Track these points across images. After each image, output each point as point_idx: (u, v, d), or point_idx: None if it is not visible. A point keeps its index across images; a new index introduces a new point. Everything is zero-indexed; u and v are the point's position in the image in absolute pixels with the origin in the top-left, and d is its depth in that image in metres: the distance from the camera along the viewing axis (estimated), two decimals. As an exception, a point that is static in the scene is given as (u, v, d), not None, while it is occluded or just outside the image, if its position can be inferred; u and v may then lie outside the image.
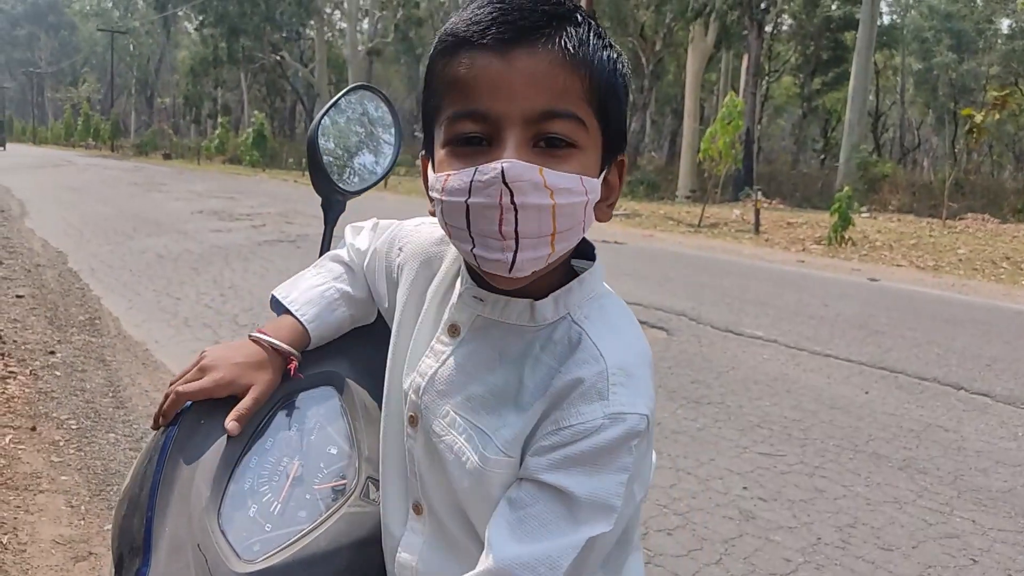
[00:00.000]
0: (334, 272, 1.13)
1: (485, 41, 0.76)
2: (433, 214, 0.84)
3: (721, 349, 6.18)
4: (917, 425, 4.63)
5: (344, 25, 40.34)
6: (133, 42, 64.61)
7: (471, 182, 0.75)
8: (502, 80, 0.75)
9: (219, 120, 42.80)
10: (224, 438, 0.96)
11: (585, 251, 0.89)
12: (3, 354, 5.17)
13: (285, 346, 1.04)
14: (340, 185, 1.25)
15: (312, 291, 1.10)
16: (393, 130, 1.32)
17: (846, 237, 13.22)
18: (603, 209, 0.85)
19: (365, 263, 1.12)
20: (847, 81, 24.25)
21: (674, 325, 6.89)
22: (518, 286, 0.82)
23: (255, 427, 0.99)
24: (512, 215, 0.74)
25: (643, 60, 30.84)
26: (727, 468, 3.92)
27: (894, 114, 46.23)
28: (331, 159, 1.26)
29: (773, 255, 12.40)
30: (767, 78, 37.31)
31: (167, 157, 40.96)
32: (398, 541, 0.93)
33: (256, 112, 37.21)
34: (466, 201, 0.76)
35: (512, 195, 0.74)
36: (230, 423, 0.96)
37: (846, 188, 14.13)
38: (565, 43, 0.76)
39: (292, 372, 1.03)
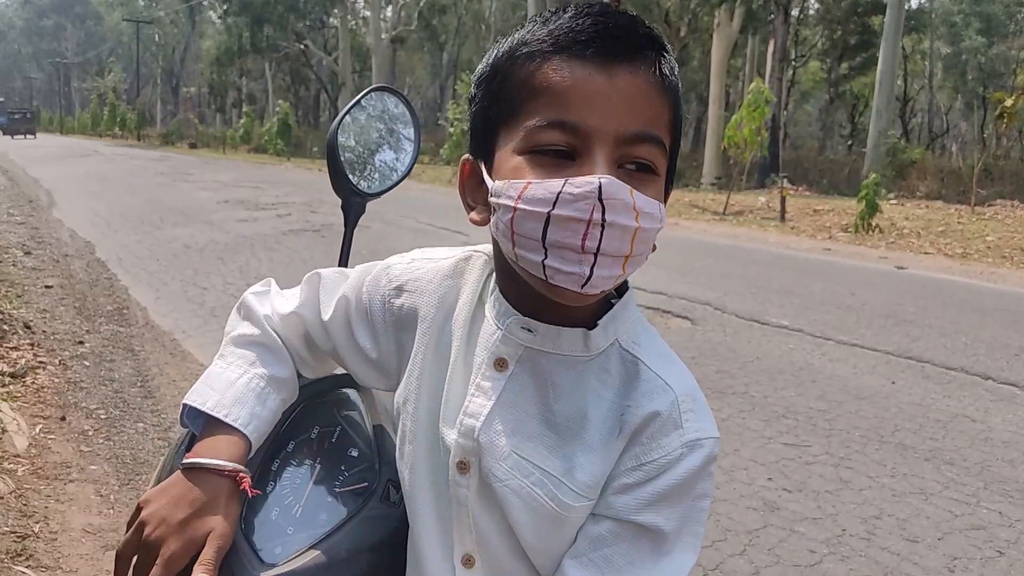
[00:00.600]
0: (247, 358, 0.98)
1: (587, 53, 0.74)
2: (477, 222, 0.83)
3: (746, 339, 6.15)
4: (944, 415, 4.58)
5: (368, 13, 40.39)
6: (158, 32, 65.09)
7: (559, 193, 0.72)
8: (601, 95, 0.74)
9: (244, 109, 43.08)
10: None
11: None
12: (33, 344, 5.26)
13: (230, 464, 0.89)
14: (360, 187, 1.25)
15: (233, 388, 0.94)
16: (412, 128, 1.32)
17: (873, 224, 13.06)
18: None
19: (309, 323, 0.99)
20: (875, 66, 23.90)
21: (699, 314, 6.86)
22: (582, 303, 0.79)
23: (276, 431, 1.00)
24: (598, 231, 0.72)
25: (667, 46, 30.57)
26: (752, 459, 3.90)
27: (922, 99, 45.52)
28: (352, 156, 1.25)
29: (799, 243, 12.29)
30: (793, 63, 36.87)
31: (193, 146, 41.29)
32: None
33: (280, 101, 37.39)
34: (549, 212, 0.73)
35: (604, 212, 0.72)
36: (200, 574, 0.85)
37: (873, 175, 13.95)
38: (663, 68, 0.77)
39: (247, 490, 0.90)
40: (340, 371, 1.07)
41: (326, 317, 0.98)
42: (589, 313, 0.84)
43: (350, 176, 1.23)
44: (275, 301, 1.02)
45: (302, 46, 40.98)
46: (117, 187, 17.82)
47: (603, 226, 0.72)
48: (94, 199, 14.92)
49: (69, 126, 74.70)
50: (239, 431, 0.92)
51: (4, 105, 66.59)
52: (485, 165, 0.83)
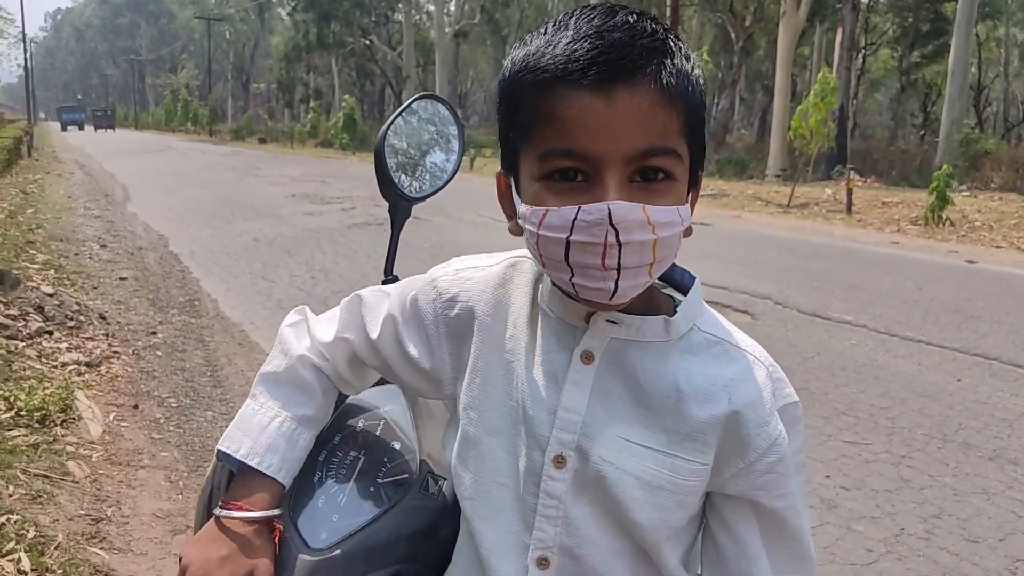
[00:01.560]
0: (278, 399, 1.02)
1: (586, 81, 0.75)
2: (515, 233, 0.87)
3: (807, 334, 6.06)
4: (1010, 414, 4.45)
5: (431, 8, 40.68)
6: (229, 29, 66.80)
7: (574, 220, 0.76)
8: (603, 121, 0.75)
9: (311, 104, 43.88)
10: None
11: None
12: (108, 334, 5.50)
13: (262, 514, 0.95)
14: (407, 191, 1.30)
15: (265, 434, 0.99)
16: (457, 132, 1.36)
17: (944, 217, 12.66)
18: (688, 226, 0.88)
19: (356, 345, 1.02)
20: (947, 54, 23.05)
21: (759, 309, 6.78)
22: (615, 310, 0.85)
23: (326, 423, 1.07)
24: (616, 250, 0.76)
25: (732, 36, 30.07)
26: (810, 456, 3.86)
27: (997, 87, 43.71)
28: (403, 160, 1.30)
29: (866, 236, 11.99)
30: (863, 51, 35.82)
31: (262, 141, 42.26)
32: None
33: (346, 96, 37.99)
34: (567, 238, 0.77)
35: (618, 234, 0.75)
36: None
37: (945, 166, 13.51)
38: (664, 79, 0.77)
39: (277, 538, 0.95)
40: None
41: (374, 336, 1.00)
42: (656, 302, 0.90)
43: (398, 180, 1.28)
44: (315, 331, 1.05)
45: (367, 41, 41.54)
46: (190, 182, 18.40)
47: (620, 245, 0.76)
48: (168, 193, 15.42)
49: (144, 122, 77.24)
50: (271, 477, 0.97)
51: (83, 103, 72.13)
52: (514, 181, 0.87)
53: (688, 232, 0.85)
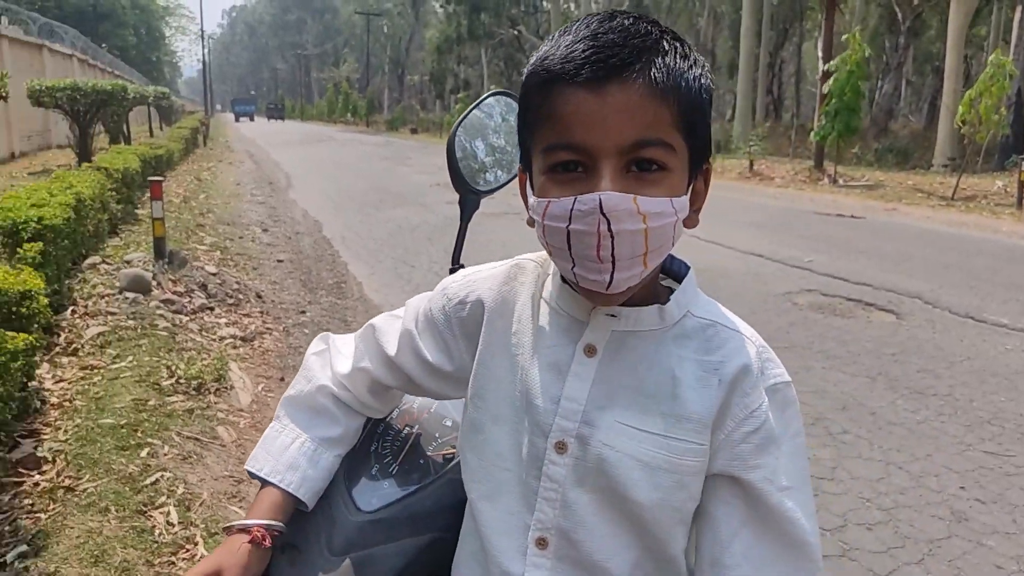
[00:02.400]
0: (300, 422, 1.10)
1: (579, 79, 0.81)
2: (530, 224, 0.93)
3: (957, 336, 5.70)
4: None
5: (580, -4, 40.57)
6: (387, 23, 69.33)
7: (571, 210, 0.82)
8: (596, 115, 0.81)
9: (459, 95, 44.91)
10: None
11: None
12: (262, 312, 5.94)
13: (247, 521, 1.03)
14: (476, 184, 1.38)
15: (287, 454, 1.07)
16: None
17: None
18: (691, 216, 0.92)
19: (373, 371, 1.09)
20: None
21: (906, 309, 6.43)
22: (616, 302, 0.90)
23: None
24: (609, 241, 0.81)
25: (899, 16, 28.28)
26: (945, 465, 3.67)
27: None
28: (475, 153, 1.37)
29: (1039, 233, 11.05)
30: (1051, 29, 32.68)
31: (414, 132, 43.72)
32: None
33: (493, 87, 38.63)
34: (567, 227, 0.83)
35: (609, 223, 0.81)
36: None
37: None
38: (654, 76, 0.81)
39: (263, 541, 1.01)
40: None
41: (392, 353, 1.07)
42: (656, 293, 0.95)
43: (468, 173, 1.36)
44: (335, 362, 1.12)
45: (516, 32, 42.04)
46: (346, 170, 19.34)
47: (612, 235, 0.81)
48: (326, 181, 16.28)
49: (309, 113, 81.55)
50: (291, 493, 1.05)
51: (254, 96, 79.48)
52: (529, 177, 0.93)
53: (692, 223, 0.90)
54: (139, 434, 3.63)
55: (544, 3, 44.12)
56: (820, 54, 19.45)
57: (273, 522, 1.03)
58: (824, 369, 4.98)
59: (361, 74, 72.93)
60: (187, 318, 5.69)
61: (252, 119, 70.15)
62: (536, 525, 0.94)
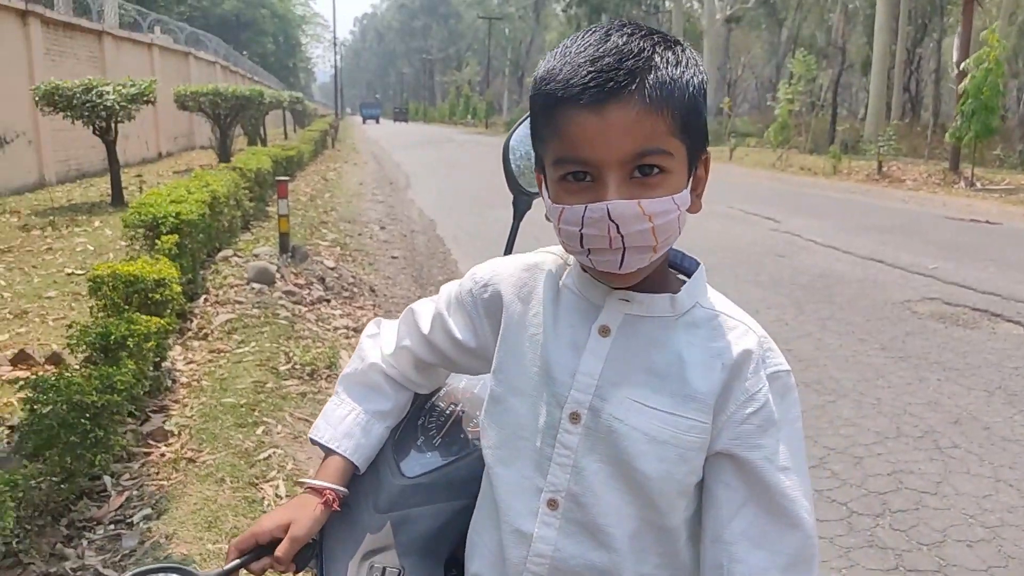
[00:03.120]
0: (355, 396, 1.23)
1: (582, 101, 0.90)
2: (548, 219, 1.02)
3: (1092, 352, 5.34)
4: None
5: (704, -5, 39.87)
6: (508, 27, 70.24)
7: (583, 217, 0.92)
8: (599, 133, 0.90)
9: (580, 97, 44.75)
10: None
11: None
12: (375, 305, 6.22)
13: (319, 482, 1.16)
14: (527, 187, 1.47)
15: (343, 423, 1.21)
16: None
17: None
18: (694, 202, 1.00)
19: (414, 349, 1.21)
20: None
21: (1037, 320, 6.06)
22: (629, 283, 0.99)
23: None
24: (620, 240, 0.92)
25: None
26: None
27: None
28: (528, 159, 1.44)
29: None
30: None
31: (532, 133, 43.98)
32: (529, 536, 1.04)
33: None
34: (580, 231, 0.93)
35: (618, 227, 0.90)
36: (275, 565, 1.11)
37: None
38: (648, 93, 0.90)
39: (332, 504, 1.14)
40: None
41: (426, 331, 1.20)
42: (659, 282, 1.03)
43: (520, 177, 1.46)
44: (384, 343, 1.25)
45: (638, 32, 41.72)
46: (462, 171, 19.78)
47: (622, 236, 0.91)
48: (443, 181, 16.73)
49: (431, 116, 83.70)
50: (347, 458, 1.18)
51: (379, 100, 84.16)
52: (545, 180, 1.02)
53: (696, 208, 0.99)
54: (256, 413, 3.92)
55: (666, 3, 43.59)
56: (956, 50, 18.40)
57: (340, 488, 1.17)
58: (939, 381, 4.79)
59: (482, 77, 74.12)
60: (305, 309, 6.04)
61: (378, 121, 73.37)
62: (549, 488, 1.03)
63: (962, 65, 16.47)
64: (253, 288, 6.18)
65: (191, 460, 3.43)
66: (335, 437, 1.20)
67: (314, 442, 1.22)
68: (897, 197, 15.06)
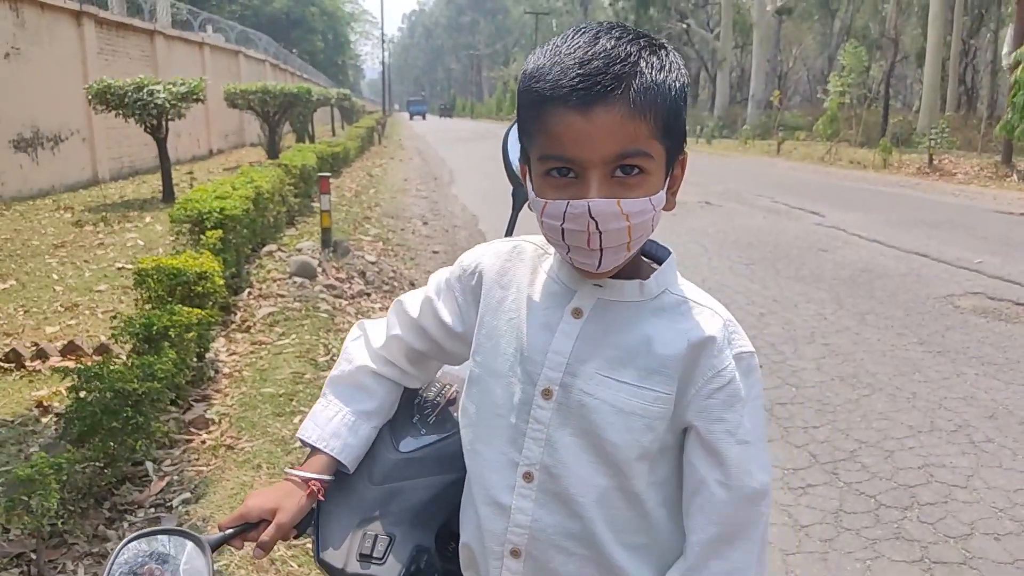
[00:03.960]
0: (342, 397, 1.26)
1: (571, 103, 0.94)
2: (517, 211, 1.09)
3: None
4: None
5: (753, -14, 39.33)
6: (556, 21, 70.07)
7: (564, 213, 0.97)
8: (584, 134, 0.95)
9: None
10: None
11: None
12: (413, 299, 6.32)
13: (305, 473, 1.20)
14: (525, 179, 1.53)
15: (330, 424, 1.24)
16: None
17: None
18: (669, 200, 1.05)
19: (404, 336, 1.25)
20: None
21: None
22: (606, 276, 1.06)
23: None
24: (598, 236, 0.97)
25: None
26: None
27: None
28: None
29: None
30: None
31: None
32: (508, 508, 1.10)
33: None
34: (561, 225, 0.98)
35: (597, 224, 0.96)
36: (256, 551, 1.16)
37: None
38: (632, 98, 0.94)
39: (317, 494, 1.20)
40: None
41: (415, 315, 1.24)
42: (641, 271, 1.10)
43: (517, 169, 1.51)
44: (372, 340, 1.29)
45: (685, 25, 41.32)
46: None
47: (600, 232, 0.97)
48: (485, 178, 16.75)
49: (479, 111, 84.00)
50: (335, 457, 1.22)
51: (425, 96, 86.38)
52: (529, 172, 1.07)
53: (670, 206, 1.04)
54: (294, 403, 4.05)
55: (715, -5, 43.08)
56: (1009, 41, 17.89)
57: (326, 477, 1.22)
58: (977, 375, 4.72)
59: (530, 72, 74.08)
60: (346, 302, 6.18)
61: (424, 117, 74.06)
62: (524, 461, 1.09)
63: (1012, 56, 16.01)
64: (295, 282, 6.34)
65: (230, 447, 3.57)
66: (323, 437, 1.23)
67: (303, 442, 1.26)
68: (947, 191, 14.73)
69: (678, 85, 0.99)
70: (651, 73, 0.97)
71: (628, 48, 0.97)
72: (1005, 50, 17.88)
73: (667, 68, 0.99)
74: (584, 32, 1.00)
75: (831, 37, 43.41)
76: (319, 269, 6.75)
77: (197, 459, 3.45)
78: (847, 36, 38.10)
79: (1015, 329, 5.65)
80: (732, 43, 39.16)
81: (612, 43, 0.97)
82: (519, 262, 1.17)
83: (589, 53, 0.96)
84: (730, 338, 1.06)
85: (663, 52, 1.00)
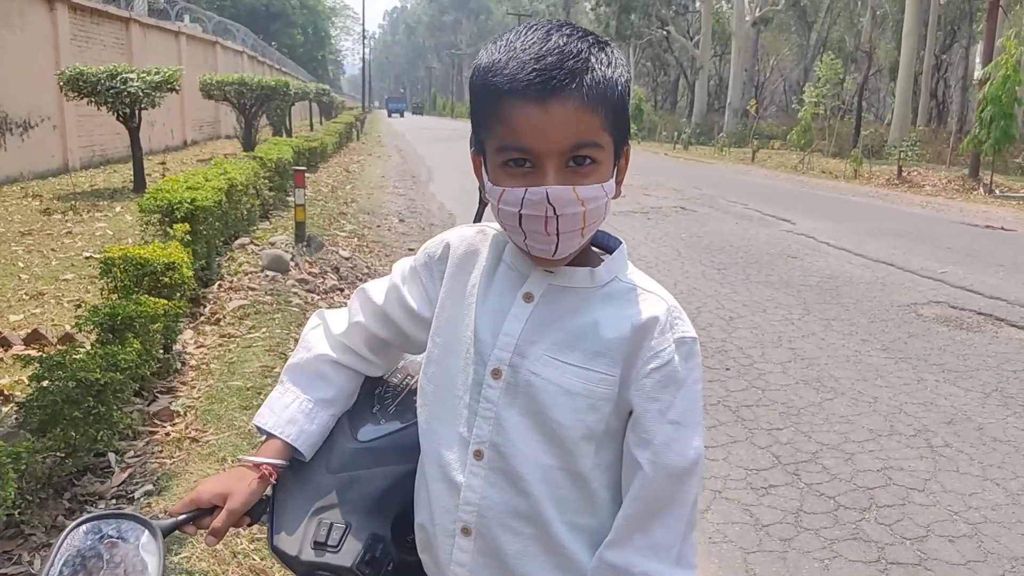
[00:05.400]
0: (299, 384, 1.26)
1: (528, 95, 0.99)
2: (484, 201, 1.11)
3: (1097, 358, 5.32)
4: None
5: (733, -5, 39.66)
6: (536, 23, 70.11)
7: (523, 199, 1.01)
8: (541, 125, 0.99)
9: (606, 95, 44.62)
10: None
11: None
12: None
13: (257, 458, 1.20)
14: None
15: (287, 411, 1.24)
16: None
17: None
18: (616, 190, 1.09)
19: (366, 324, 1.25)
20: None
21: (1043, 326, 6.04)
22: (560, 264, 1.09)
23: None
24: (555, 222, 1.01)
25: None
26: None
27: None
28: None
29: None
30: None
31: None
32: (459, 485, 1.12)
33: (635, 87, 38.37)
34: (519, 212, 1.02)
35: (555, 209, 1.00)
36: (208, 537, 1.15)
37: None
38: (585, 92, 0.99)
39: (269, 478, 1.19)
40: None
41: (380, 302, 1.25)
42: (591, 259, 1.14)
43: None
44: (332, 329, 1.29)
45: (665, 32, 41.55)
46: (483, 166, 19.77)
47: (557, 217, 1.01)
48: (464, 176, 16.73)
49: (459, 111, 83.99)
50: (290, 443, 1.22)
51: (403, 95, 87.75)
52: (484, 162, 1.10)
53: (617, 194, 1.09)
54: (262, 396, 4.02)
55: (696, 3, 43.36)
56: (979, 58, 18.24)
57: (279, 461, 1.22)
58: (937, 382, 4.81)
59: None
60: (318, 297, 6.16)
61: (402, 115, 74.50)
62: (475, 440, 1.12)
63: (981, 71, 16.33)
64: (267, 275, 6.30)
65: (195, 440, 3.54)
66: (278, 423, 1.23)
67: (260, 429, 1.25)
68: (915, 202, 14.96)
69: (623, 80, 1.05)
70: (601, 68, 1.01)
71: (579, 45, 1.01)
72: (979, 63, 18.18)
73: (614, 64, 1.03)
74: (536, 29, 1.04)
75: (808, 49, 43.92)
76: (292, 263, 6.72)
77: (161, 451, 3.42)
78: (823, 48, 38.62)
79: (975, 338, 5.76)
80: (711, 51, 39.47)
81: (564, 40, 1.01)
82: (482, 246, 1.20)
83: (544, 49, 1.00)
84: (672, 322, 1.10)
85: (609, 49, 1.04)
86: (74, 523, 1.05)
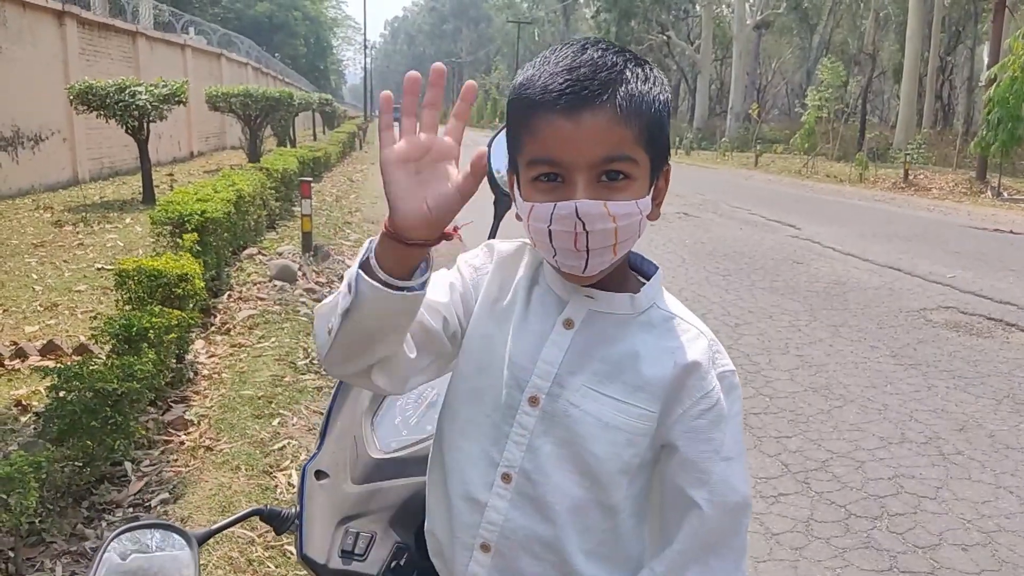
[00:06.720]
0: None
1: (559, 107, 0.96)
2: (519, 219, 1.09)
3: (1106, 362, 5.33)
4: None
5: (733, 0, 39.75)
6: (538, 30, 70.42)
7: (552, 214, 0.97)
8: (572, 137, 0.96)
9: (607, 101, 44.72)
10: None
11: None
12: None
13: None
14: (505, 188, 1.56)
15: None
16: None
17: None
18: (653, 210, 1.07)
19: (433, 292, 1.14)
20: None
21: (1052, 330, 6.05)
22: (590, 282, 1.08)
23: None
24: (584, 237, 0.97)
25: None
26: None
27: None
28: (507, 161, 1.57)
29: None
30: None
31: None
32: (483, 504, 1.11)
33: (639, 93, 38.23)
34: (548, 227, 0.98)
35: (584, 224, 0.96)
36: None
37: None
38: (619, 103, 0.97)
39: (454, 234, 1.00)
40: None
41: (433, 295, 1.15)
42: (619, 281, 1.12)
43: (499, 179, 1.54)
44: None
45: (665, 37, 41.65)
46: (487, 174, 19.79)
47: (587, 233, 0.99)
48: (466, 184, 16.82)
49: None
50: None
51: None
52: (517, 179, 1.09)
53: (655, 216, 1.06)
54: (273, 405, 4.06)
55: (696, 7, 43.47)
56: (987, 59, 18.25)
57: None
58: (948, 388, 4.81)
59: (510, 81, 74.45)
60: (326, 307, 6.17)
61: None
62: (504, 463, 1.10)
63: (987, 73, 16.33)
64: (275, 285, 6.34)
65: (209, 448, 3.57)
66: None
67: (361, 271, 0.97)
68: (922, 206, 14.97)
69: (662, 98, 1.03)
70: (636, 83, 1.00)
71: (614, 58, 1.00)
72: (986, 65, 18.19)
73: (651, 81, 1.02)
74: (572, 45, 1.03)
75: (810, 52, 43.95)
76: (299, 273, 6.76)
77: (176, 460, 3.45)
78: (826, 51, 38.57)
79: (986, 343, 5.77)
80: (712, 56, 39.55)
81: (599, 53, 1.01)
82: (521, 264, 1.18)
83: (577, 61, 0.99)
84: (714, 358, 1.09)
85: (647, 66, 1.03)
86: (114, 533, 1.08)
